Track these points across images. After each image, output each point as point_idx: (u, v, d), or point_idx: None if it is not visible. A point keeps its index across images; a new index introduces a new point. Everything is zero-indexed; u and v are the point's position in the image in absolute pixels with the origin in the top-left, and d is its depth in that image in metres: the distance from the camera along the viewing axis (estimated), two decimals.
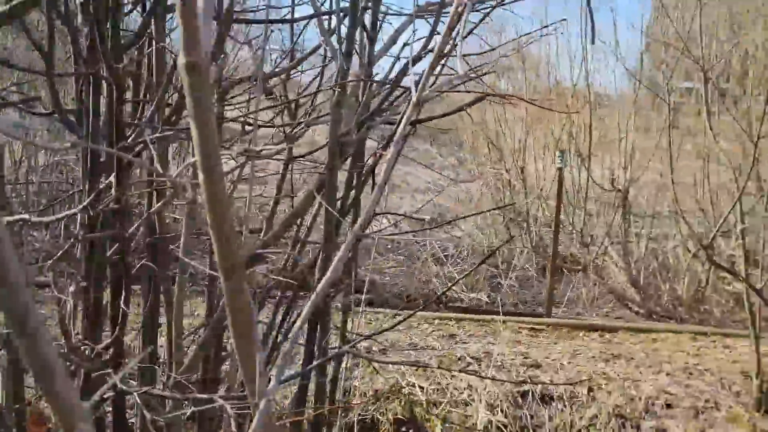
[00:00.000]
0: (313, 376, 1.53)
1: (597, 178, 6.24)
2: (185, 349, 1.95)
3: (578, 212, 6.20)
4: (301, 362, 1.59)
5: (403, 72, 1.41)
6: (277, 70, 1.96)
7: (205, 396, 1.14)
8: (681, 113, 6.66)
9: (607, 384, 4.28)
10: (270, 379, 0.62)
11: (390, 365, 4.69)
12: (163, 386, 1.64)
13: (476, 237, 7.30)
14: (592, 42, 5.38)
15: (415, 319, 5.59)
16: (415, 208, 9.10)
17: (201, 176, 0.59)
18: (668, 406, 4.09)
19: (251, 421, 0.68)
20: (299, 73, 2.11)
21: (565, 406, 4.23)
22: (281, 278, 1.63)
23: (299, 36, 2.29)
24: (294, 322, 1.87)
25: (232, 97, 2.04)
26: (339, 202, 1.47)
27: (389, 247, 7.42)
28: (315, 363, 1.26)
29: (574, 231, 6.25)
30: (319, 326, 1.41)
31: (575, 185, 6.27)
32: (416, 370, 4.63)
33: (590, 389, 4.26)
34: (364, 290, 3.40)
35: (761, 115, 3.66)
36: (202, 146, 0.59)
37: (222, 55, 1.67)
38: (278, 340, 1.77)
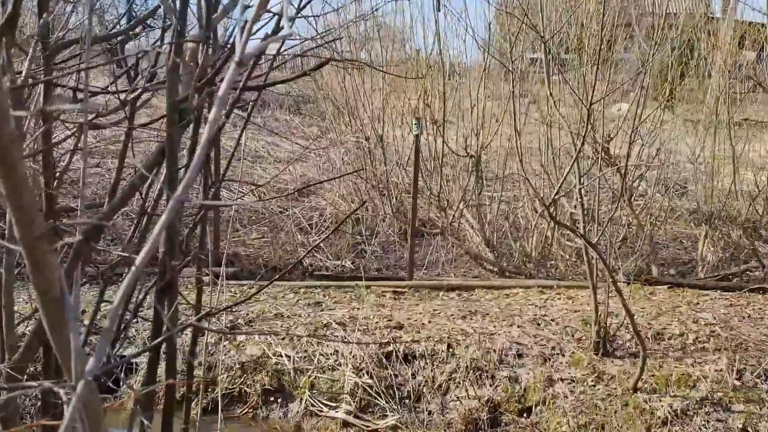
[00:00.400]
0: (164, 354, 1.47)
1: (452, 145, 6.48)
2: (20, 335, 1.80)
3: (435, 178, 6.42)
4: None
5: (242, 31, 1.36)
6: (112, 32, 1.83)
7: (34, 384, 1.06)
8: (527, 81, 7.04)
9: (464, 339, 4.52)
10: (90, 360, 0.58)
11: (256, 336, 4.66)
12: None
13: (339, 206, 7.36)
14: (438, 9, 5.52)
15: (280, 289, 5.56)
16: (279, 177, 9.00)
17: None
18: (519, 355, 4.40)
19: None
20: (137, 36, 1.99)
21: (426, 363, 4.42)
22: (126, 253, 1.55)
23: None
24: (143, 299, 1.79)
25: (63, 61, 1.89)
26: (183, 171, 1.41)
27: (253, 218, 7.30)
28: (157, 340, 1.22)
29: (431, 196, 6.47)
30: (167, 301, 1.36)
31: (432, 152, 6.47)
32: (282, 339, 4.63)
33: (449, 345, 4.48)
34: (223, 262, 3.32)
35: (594, 82, 3.96)
36: None
37: (45, 13, 1.54)
38: (125, 318, 1.69)
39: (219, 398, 4.24)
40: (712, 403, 3.80)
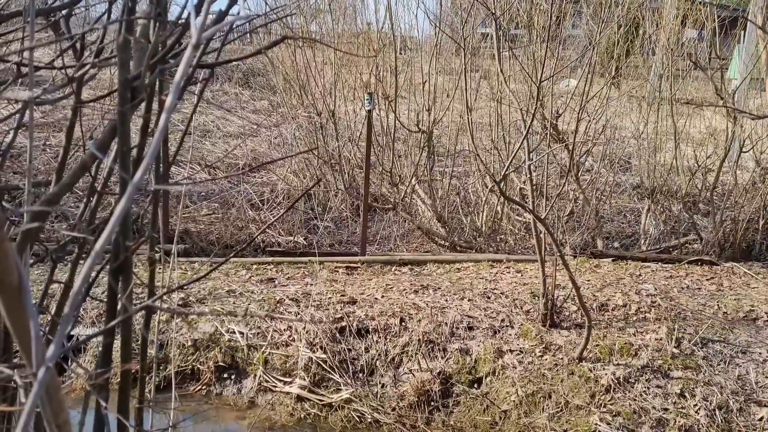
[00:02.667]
0: (118, 335, 1.46)
1: (404, 120, 6.50)
2: None
3: (387, 153, 6.43)
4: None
5: (197, 12, 1.34)
6: (55, 5, 1.77)
7: None
8: (478, 56, 7.08)
9: (417, 313, 4.59)
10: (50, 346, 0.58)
11: (209, 315, 4.63)
12: None
13: (291, 181, 7.31)
14: None
15: (233, 265, 5.52)
16: (229, 153, 8.88)
17: None
18: (470, 328, 4.50)
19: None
20: (84, 8, 1.93)
21: (379, 337, 4.48)
22: (77, 234, 1.52)
23: None
24: (93, 280, 1.76)
25: (3, 34, 1.82)
26: (135, 151, 1.39)
27: (203, 194, 7.19)
28: (113, 322, 1.21)
29: (383, 171, 6.49)
30: (121, 281, 1.35)
31: (384, 127, 6.47)
32: (235, 316, 4.61)
33: (402, 319, 4.54)
34: (174, 239, 3.28)
35: (543, 60, 4.02)
36: None
37: None
38: (78, 299, 1.66)
39: (172, 376, 4.22)
40: (652, 370, 3.97)
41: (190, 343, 4.42)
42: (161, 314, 4.66)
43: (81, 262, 1.75)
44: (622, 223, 7.25)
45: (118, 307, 1.37)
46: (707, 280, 5.46)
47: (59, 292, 1.80)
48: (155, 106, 1.42)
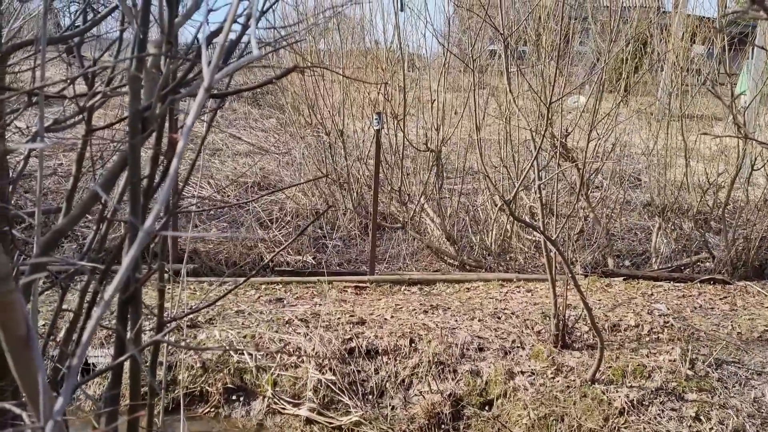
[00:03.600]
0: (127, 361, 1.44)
1: (412, 138, 6.50)
2: None
3: (396, 172, 6.43)
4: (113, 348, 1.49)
5: (209, 42, 1.34)
6: (66, 33, 1.78)
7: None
8: (486, 74, 7.09)
9: (427, 334, 4.56)
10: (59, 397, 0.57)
11: (217, 335, 4.61)
12: None
13: (300, 200, 7.31)
14: (401, 9, 5.52)
15: (241, 286, 5.51)
16: (238, 171, 8.90)
17: None
18: (480, 349, 4.46)
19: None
20: (95, 37, 1.94)
21: (389, 358, 4.45)
22: (86, 263, 1.51)
23: None
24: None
25: (14, 64, 1.83)
26: (146, 180, 1.38)
27: (212, 213, 7.19)
28: (122, 358, 1.19)
29: (392, 190, 6.48)
30: (130, 312, 1.33)
31: (392, 146, 6.48)
32: (244, 337, 4.59)
33: (412, 340, 4.51)
34: (184, 260, 3.28)
35: (553, 80, 4.02)
36: None
37: None
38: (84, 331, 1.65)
39: (181, 397, 4.20)
40: (667, 393, 3.91)
41: (198, 365, 4.39)
42: (169, 336, 4.65)
43: (89, 290, 1.74)
44: (633, 242, 7.19)
45: (128, 337, 1.36)
46: (720, 299, 5.39)
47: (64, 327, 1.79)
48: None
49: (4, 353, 1.51)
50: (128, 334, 1.36)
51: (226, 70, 0.69)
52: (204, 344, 4.57)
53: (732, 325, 4.85)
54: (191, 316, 4.78)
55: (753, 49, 7.54)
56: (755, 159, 5.80)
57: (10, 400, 1.52)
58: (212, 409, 4.30)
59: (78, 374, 0.62)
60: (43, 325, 4.15)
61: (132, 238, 1.29)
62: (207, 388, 4.35)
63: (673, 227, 6.55)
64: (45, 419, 0.56)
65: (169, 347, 4.48)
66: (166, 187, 0.62)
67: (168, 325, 1.68)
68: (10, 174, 1.64)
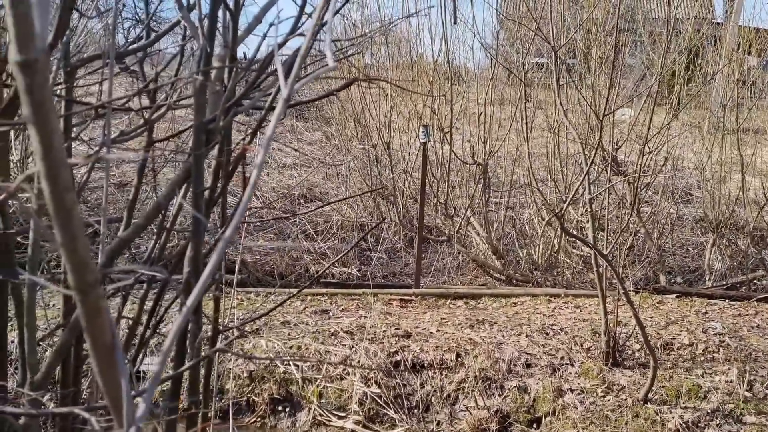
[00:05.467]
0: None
1: (458, 150, 6.47)
2: (41, 352, 1.80)
3: (442, 185, 6.41)
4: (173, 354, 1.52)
5: (270, 56, 1.36)
6: (131, 47, 1.83)
7: (64, 410, 1.05)
8: (533, 87, 7.03)
9: (473, 349, 4.51)
10: (139, 405, 0.58)
11: (264, 345, 4.64)
12: (14, 394, 1.52)
13: (345, 212, 7.35)
14: (454, 22, 5.52)
15: (287, 296, 5.55)
16: (284, 183, 9.01)
17: (46, 186, 0.53)
18: (528, 365, 4.38)
19: None
20: (157, 51, 1.99)
21: (435, 372, 4.41)
22: (146, 270, 1.54)
23: (156, 8, 2.15)
24: (161, 317, 1.78)
25: (81, 77, 1.89)
26: (207, 192, 1.40)
27: (259, 225, 7.29)
28: (184, 368, 1.21)
29: (438, 203, 6.46)
30: (190, 322, 1.35)
31: (438, 158, 6.47)
32: (290, 348, 4.62)
33: (458, 355, 4.46)
34: (236, 271, 3.31)
35: (605, 92, 3.95)
36: (44, 154, 0.53)
37: (66, 30, 1.54)
38: (146, 336, 1.69)
39: (229, 406, 4.24)
40: (723, 415, 3.78)
41: (245, 375, 4.44)
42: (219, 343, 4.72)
43: (148, 299, 1.78)
44: (685, 258, 7.00)
45: (187, 347, 1.38)
46: None
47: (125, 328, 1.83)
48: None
49: (69, 361, 1.54)
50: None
51: (305, 80, 0.70)
52: (252, 354, 4.62)
53: None
54: (240, 326, 4.84)
55: None
56: None
57: (71, 405, 1.55)
58: (258, 419, 4.33)
59: (159, 381, 0.63)
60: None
61: (196, 246, 1.32)
62: (254, 398, 4.38)
63: (727, 243, 6.35)
64: (128, 425, 0.57)
65: (220, 356, 4.55)
66: (245, 198, 0.62)
67: (225, 334, 1.70)
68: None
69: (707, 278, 6.11)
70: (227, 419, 4.37)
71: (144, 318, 1.75)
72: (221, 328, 1.86)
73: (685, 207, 8.00)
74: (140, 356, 1.79)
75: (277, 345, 4.61)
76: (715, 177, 6.58)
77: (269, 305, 5.27)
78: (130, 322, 1.79)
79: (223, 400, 4.37)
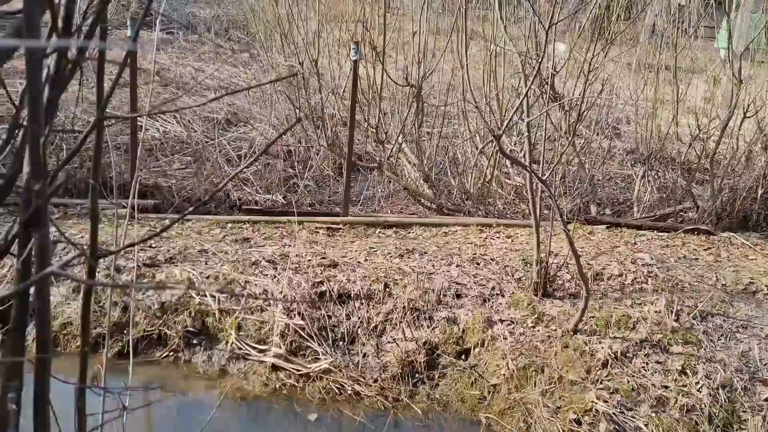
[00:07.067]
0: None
1: (392, 76, 6.11)
2: None
3: (373, 109, 6.07)
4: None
5: None
6: None
7: None
8: (469, 18, 6.67)
9: (402, 279, 4.31)
10: None
11: (178, 274, 4.29)
12: None
13: (270, 136, 6.92)
14: None
15: (206, 223, 5.18)
16: (206, 107, 8.41)
17: None
18: (458, 296, 4.23)
19: None
20: None
21: (362, 303, 4.20)
22: None
23: None
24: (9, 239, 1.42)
25: None
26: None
27: (177, 147, 6.77)
28: (15, 289, 0.89)
29: (369, 128, 6.13)
30: (34, 239, 1.01)
31: (370, 82, 6.09)
32: (207, 278, 4.29)
33: (386, 285, 4.26)
34: (131, 193, 2.93)
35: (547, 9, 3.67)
36: None
37: None
38: None
39: (138, 341, 3.93)
40: (651, 345, 3.74)
41: (156, 306, 4.10)
42: (127, 274, 4.33)
43: None
44: (614, 190, 6.99)
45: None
46: (704, 250, 5.23)
47: None
48: None
49: None
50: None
51: None
52: (163, 284, 4.26)
53: (717, 277, 4.69)
54: (150, 254, 4.45)
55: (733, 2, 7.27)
56: (748, 106, 5.57)
57: None
58: (171, 353, 4.03)
59: None
60: None
61: (33, 135, 0.97)
62: (166, 331, 4.06)
63: (656, 176, 6.34)
64: None
65: (126, 275, 4.17)
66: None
67: (99, 260, 1.37)
68: None
69: (636, 210, 6.10)
70: (137, 354, 4.05)
71: None
72: (99, 252, 1.51)
73: (614, 140, 7.96)
74: None
75: (193, 274, 4.27)
76: (647, 111, 6.52)
77: (182, 232, 4.89)
78: None
79: (131, 334, 4.04)
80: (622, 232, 5.47)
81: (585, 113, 5.75)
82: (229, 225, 5.20)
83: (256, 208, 5.62)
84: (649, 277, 4.53)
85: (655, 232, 5.55)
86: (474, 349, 3.94)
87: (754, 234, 5.70)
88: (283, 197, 5.92)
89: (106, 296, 4.11)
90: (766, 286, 4.60)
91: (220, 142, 6.56)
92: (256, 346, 3.96)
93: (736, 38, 6.72)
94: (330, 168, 6.57)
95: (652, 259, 4.83)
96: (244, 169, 6.23)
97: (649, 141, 6.40)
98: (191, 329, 4.06)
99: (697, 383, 3.48)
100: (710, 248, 5.27)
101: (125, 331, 4.03)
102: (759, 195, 5.89)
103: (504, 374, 3.70)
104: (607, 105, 7.06)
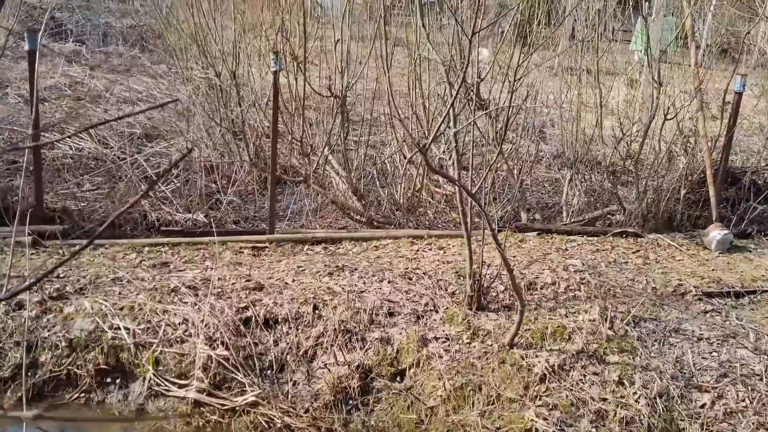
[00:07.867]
0: None
1: (315, 86, 5.91)
2: None
3: (297, 121, 5.85)
4: None
5: None
6: None
7: None
8: (393, 25, 6.56)
9: (332, 299, 4.11)
10: None
11: (89, 307, 3.95)
12: None
13: (192, 152, 6.58)
14: None
15: (120, 248, 4.83)
16: (124, 121, 7.97)
17: None
18: (391, 314, 4.07)
19: None
20: None
21: (290, 327, 3.98)
22: None
23: None
24: None
25: None
26: None
27: (91, 166, 6.35)
28: None
29: (293, 141, 5.91)
30: None
31: (293, 92, 5.87)
32: (121, 309, 3.96)
33: (315, 307, 4.05)
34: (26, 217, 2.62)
35: (476, 11, 3.57)
36: None
37: None
38: None
39: (43, 382, 3.58)
40: (588, 356, 3.68)
41: (64, 343, 3.75)
42: (30, 309, 3.95)
43: None
44: (543, 194, 7.01)
45: None
46: (633, 253, 5.26)
47: None
48: None
49: None
50: None
51: None
52: (73, 319, 3.91)
53: (646, 280, 4.71)
54: (57, 286, 4.09)
55: (647, 4, 7.47)
56: (668, 109, 5.66)
57: None
58: (82, 395, 3.69)
59: None
60: None
61: None
62: (75, 370, 3.72)
63: (583, 179, 6.38)
64: None
65: (30, 311, 3.81)
66: None
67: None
68: None
69: (565, 214, 6.11)
70: (44, 398, 3.69)
71: None
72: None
73: (540, 145, 8.01)
74: None
75: (105, 306, 3.93)
76: (572, 115, 6.56)
77: (94, 259, 4.54)
78: None
79: (36, 375, 3.68)
80: (553, 239, 5.44)
81: (512, 120, 5.71)
82: (146, 249, 4.88)
83: (176, 229, 5.30)
84: (582, 283, 4.49)
85: (585, 237, 5.55)
86: (409, 369, 3.77)
87: (679, 234, 5.79)
88: (205, 215, 5.61)
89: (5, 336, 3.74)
90: (694, 287, 4.65)
91: (136, 160, 6.18)
92: (177, 381, 3.67)
93: (653, 42, 6.87)
94: (255, 182, 6.30)
95: (583, 264, 4.81)
96: (162, 187, 5.89)
97: (575, 144, 6.44)
98: (104, 367, 3.73)
99: (635, 393, 3.42)
100: (638, 251, 5.31)
101: (30, 374, 3.67)
102: (682, 195, 6.00)
103: (441, 395, 3.55)
104: (533, 110, 7.08)
